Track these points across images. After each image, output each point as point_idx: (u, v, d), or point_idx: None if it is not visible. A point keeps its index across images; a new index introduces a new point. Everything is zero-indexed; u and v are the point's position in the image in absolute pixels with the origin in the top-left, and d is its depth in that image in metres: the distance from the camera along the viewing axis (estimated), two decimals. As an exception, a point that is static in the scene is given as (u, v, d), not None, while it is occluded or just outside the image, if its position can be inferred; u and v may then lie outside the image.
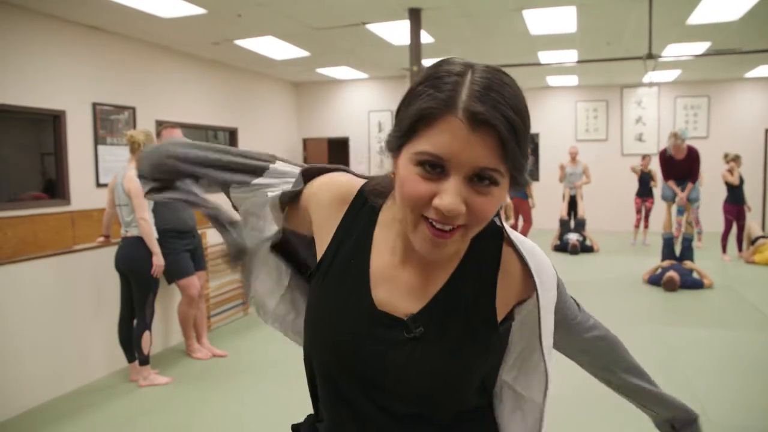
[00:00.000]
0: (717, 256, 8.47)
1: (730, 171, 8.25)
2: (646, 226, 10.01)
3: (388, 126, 11.14)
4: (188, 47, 7.93)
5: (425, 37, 7.35)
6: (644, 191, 9.83)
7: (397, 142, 0.78)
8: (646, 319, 5.57)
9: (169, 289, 4.68)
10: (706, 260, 7.67)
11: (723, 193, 8.46)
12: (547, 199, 10.88)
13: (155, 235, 3.98)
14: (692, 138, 11.18)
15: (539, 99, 12.30)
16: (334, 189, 0.96)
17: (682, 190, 7.10)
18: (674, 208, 7.45)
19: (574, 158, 9.62)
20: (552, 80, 11.39)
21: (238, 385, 4.04)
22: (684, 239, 7.02)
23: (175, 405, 3.74)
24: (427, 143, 0.73)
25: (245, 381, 4.12)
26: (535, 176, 11.68)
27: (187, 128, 8.19)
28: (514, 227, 9.31)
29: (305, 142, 11.30)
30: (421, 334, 0.85)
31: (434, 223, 0.75)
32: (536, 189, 9.97)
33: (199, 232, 4.75)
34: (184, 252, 4.36)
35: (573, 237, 9.24)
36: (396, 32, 7.24)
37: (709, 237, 9.62)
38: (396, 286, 0.89)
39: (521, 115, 0.74)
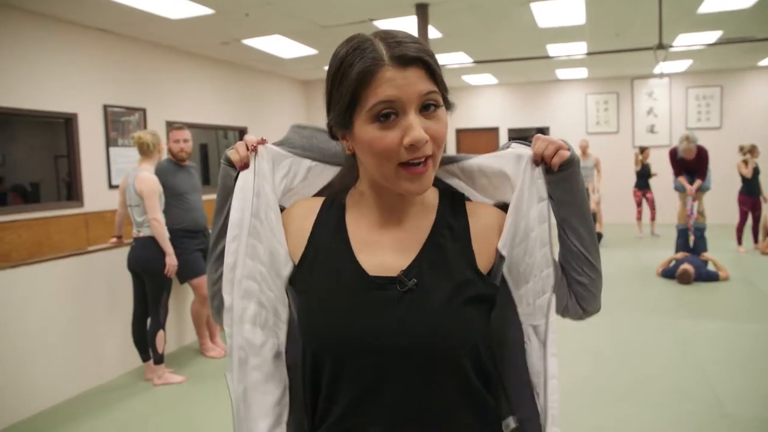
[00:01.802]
0: (732, 247, 8.38)
1: (745, 162, 8.16)
2: (653, 218, 9.94)
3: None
4: (197, 48, 7.96)
5: (432, 33, 7.33)
6: (643, 183, 9.77)
7: (345, 116, 0.86)
8: (661, 312, 5.53)
9: (182, 289, 4.71)
10: (721, 252, 7.59)
11: (737, 184, 8.37)
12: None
13: (167, 235, 4.00)
14: (705, 129, 11.12)
15: (549, 92, 12.23)
16: (303, 204, 1.04)
17: (692, 183, 7.06)
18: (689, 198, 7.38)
19: (584, 152, 9.52)
20: (561, 73, 11.31)
21: (251, 383, 4.05)
22: (696, 229, 6.96)
23: (190, 403, 3.77)
24: (374, 97, 0.82)
25: (259, 379, 4.13)
26: (546, 170, 11.58)
27: (197, 128, 8.23)
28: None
29: (315, 140, 11.31)
30: (415, 285, 0.90)
31: (410, 161, 0.84)
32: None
33: (211, 231, 4.77)
34: (196, 251, 4.38)
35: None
36: (403, 28, 7.18)
37: (723, 228, 9.53)
38: (381, 248, 0.95)
39: (424, 44, 0.87)
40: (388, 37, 0.85)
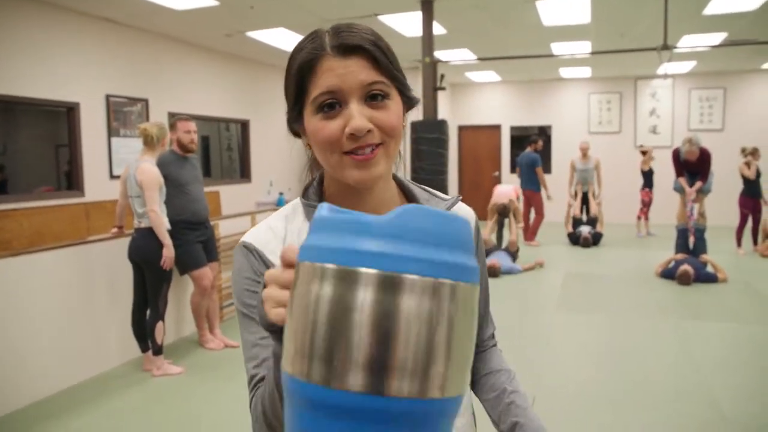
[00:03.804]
0: (732, 249, 8.38)
1: (747, 164, 8.16)
2: (647, 218, 9.97)
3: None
4: (201, 39, 7.94)
5: (437, 29, 7.31)
6: (648, 183, 9.79)
7: (295, 110, 0.86)
8: (660, 313, 5.53)
9: (182, 280, 4.71)
10: (720, 254, 7.60)
11: (739, 186, 8.37)
12: (558, 191, 10.85)
13: (168, 226, 4.00)
14: (707, 131, 11.12)
15: (552, 91, 12.22)
16: (258, 237, 0.92)
17: (693, 184, 7.08)
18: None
19: (585, 154, 9.49)
20: (565, 72, 11.29)
21: (250, 376, 4.06)
22: (696, 230, 6.97)
23: (188, 394, 3.77)
24: (316, 88, 0.81)
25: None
26: (547, 168, 11.60)
27: (200, 120, 8.23)
28: (526, 219, 9.28)
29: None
30: None
31: (355, 151, 0.82)
32: (548, 182, 9.91)
33: (212, 223, 4.77)
34: (196, 243, 4.38)
35: (585, 230, 9.18)
36: (408, 24, 7.20)
37: (723, 230, 9.53)
38: None
39: (375, 35, 0.84)
40: (337, 28, 0.84)
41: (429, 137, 6.16)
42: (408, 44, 8.24)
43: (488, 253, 7.53)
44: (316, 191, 0.95)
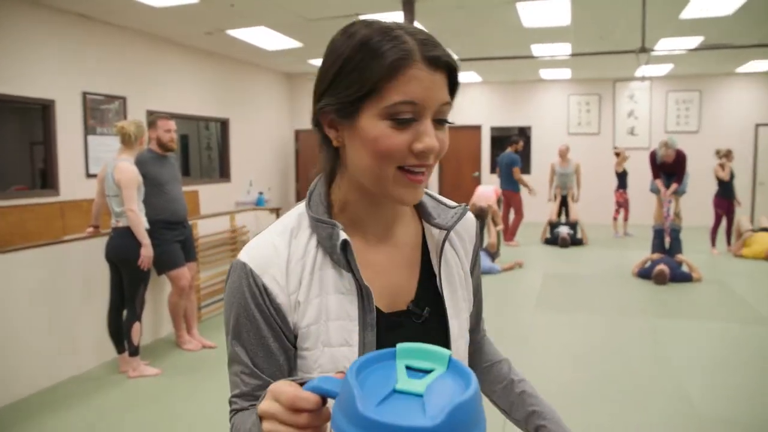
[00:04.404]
0: (706, 249, 8.52)
1: (722, 166, 8.29)
2: (626, 219, 10.11)
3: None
4: (181, 37, 7.87)
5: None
6: (623, 184, 9.96)
7: (353, 106, 0.77)
8: (636, 311, 5.61)
9: (159, 280, 4.66)
10: (695, 254, 7.72)
11: (714, 187, 8.50)
12: (538, 192, 10.95)
13: (146, 225, 3.96)
14: (683, 133, 11.28)
15: (532, 92, 12.30)
16: (261, 253, 0.86)
17: (669, 185, 7.22)
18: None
19: (564, 157, 9.57)
20: (545, 73, 11.38)
21: (228, 377, 4.03)
22: (672, 230, 7.08)
23: (165, 396, 3.73)
24: (398, 95, 0.75)
25: (236, 372, 4.11)
26: (527, 169, 11.68)
27: (179, 118, 8.15)
28: (505, 219, 9.34)
29: (297, 133, 11.26)
30: (428, 314, 0.88)
31: (413, 168, 0.78)
32: (528, 182, 9.97)
33: (190, 222, 4.73)
34: (174, 243, 4.34)
35: (563, 230, 9.27)
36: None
37: (698, 231, 9.68)
38: (381, 271, 0.88)
39: (451, 55, 0.80)
40: (421, 35, 0.78)
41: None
42: (389, 44, 8.25)
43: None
44: (322, 200, 0.86)
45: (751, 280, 6.96)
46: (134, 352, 3.99)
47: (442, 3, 6.45)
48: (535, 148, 12.16)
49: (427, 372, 0.57)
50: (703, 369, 4.12)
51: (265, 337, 0.81)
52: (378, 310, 0.84)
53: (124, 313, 4.02)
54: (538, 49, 8.91)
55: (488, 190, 8.57)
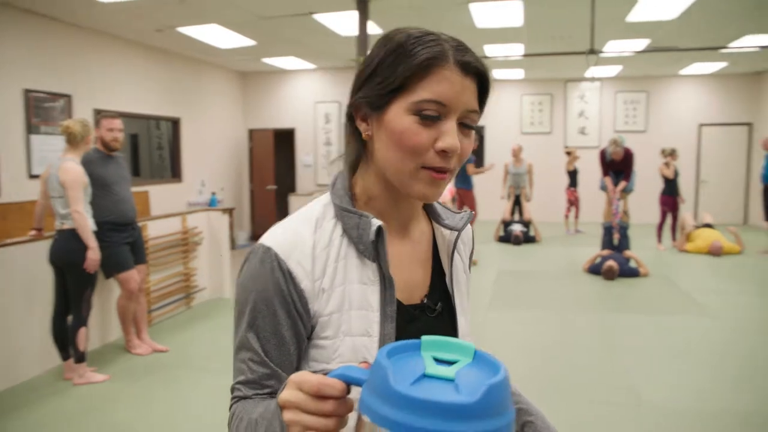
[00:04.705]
0: (653, 245, 8.78)
1: (666, 165, 8.56)
2: (577, 216, 10.39)
3: (336, 117, 11.08)
4: (129, 33, 7.66)
5: (373, 28, 7.32)
6: (573, 183, 10.22)
7: (384, 98, 0.81)
8: (587, 306, 5.74)
9: (107, 283, 4.54)
10: (642, 249, 7.95)
11: (659, 185, 8.77)
12: (491, 190, 11.08)
13: (92, 227, 3.84)
14: (631, 132, 11.61)
15: (486, 92, 12.44)
16: (288, 241, 0.86)
17: (618, 183, 7.44)
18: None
19: (517, 156, 9.72)
20: (498, 73, 11.53)
21: (181, 380, 3.95)
22: (620, 227, 7.28)
23: (115, 403, 3.64)
24: (426, 92, 0.79)
25: (188, 376, 4.04)
26: (480, 166, 11.81)
27: (128, 117, 7.95)
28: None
29: (251, 132, 11.11)
30: (441, 307, 0.93)
31: (435, 168, 0.81)
32: (480, 180, 10.12)
33: (140, 224, 4.62)
34: (123, 245, 4.23)
35: (517, 228, 9.41)
36: (344, 23, 7.18)
37: (645, 227, 9.97)
38: (399, 263, 0.91)
39: (486, 66, 0.85)
40: (458, 42, 0.83)
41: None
42: (343, 43, 8.23)
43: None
44: (345, 190, 0.89)
45: (694, 273, 7.21)
46: (80, 358, 3.87)
47: (396, 3, 6.47)
48: (489, 147, 12.31)
49: (453, 363, 0.59)
50: (650, 361, 4.24)
51: (280, 325, 0.81)
52: (397, 301, 0.87)
53: (69, 318, 3.90)
54: (491, 50, 9.03)
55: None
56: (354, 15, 6.37)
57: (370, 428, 0.54)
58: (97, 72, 7.31)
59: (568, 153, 10.32)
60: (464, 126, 0.82)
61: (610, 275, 6.69)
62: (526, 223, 9.55)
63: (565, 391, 3.71)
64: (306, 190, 10.16)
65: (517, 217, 9.81)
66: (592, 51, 6.54)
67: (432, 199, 0.84)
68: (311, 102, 11.20)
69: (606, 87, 11.93)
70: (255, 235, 10.72)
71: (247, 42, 8.30)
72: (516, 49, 8.97)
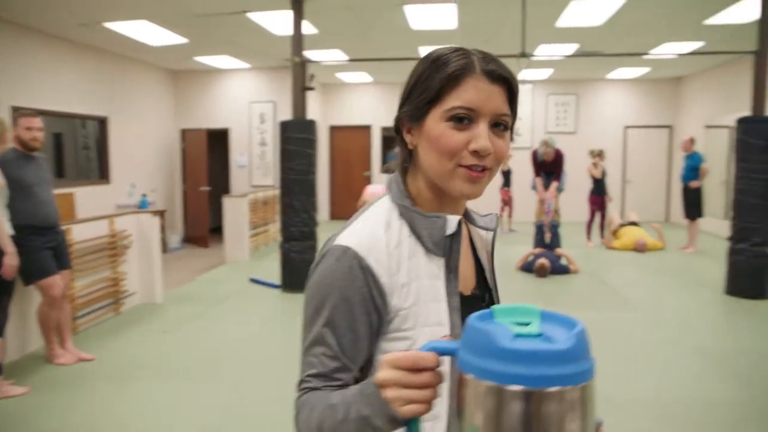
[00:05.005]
0: (582, 242, 9.09)
1: (595, 165, 8.88)
2: (510, 215, 10.67)
3: (271, 117, 10.93)
4: (51, 28, 7.32)
5: (308, 28, 7.27)
6: (507, 182, 10.49)
7: (422, 110, 0.91)
8: (520, 302, 5.87)
9: (26, 290, 4.31)
10: (573, 247, 8.22)
11: (589, 185, 9.09)
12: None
13: (11, 231, 3.64)
14: (562, 133, 11.99)
15: (422, 93, 12.58)
16: (368, 244, 0.91)
17: (549, 183, 7.66)
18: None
19: None
20: (434, 75, 11.67)
21: (107, 390, 3.80)
22: (552, 226, 7.50)
23: (34, 417, 3.46)
24: (457, 100, 0.88)
25: (116, 384, 3.89)
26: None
27: (51, 116, 7.59)
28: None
29: (183, 132, 10.82)
30: (488, 298, 1.04)
31: (471, 166, 0.89)
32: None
33: (64, 227, 4.42)
34: (45, 250, 4.03)
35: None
36: (278, 22, 7.10)
37: (575, 226, 10.31)
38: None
39: (513, 74, 0.92)
40: (484, 54, 0.91)
41: (298, 137, 6.10)
42: (278, 43, 8.13)
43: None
44: (404, 194, 0.97)
45: (621, 269, 7.52)
46: (-2, 370, 3.66)
47: (331, 3, 6.44)
48: (425, 148, 12.45)
49: (527, 324, 0.67)
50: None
51: (357, 321, 0.87)
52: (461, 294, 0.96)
53: (-14, 328, 3.68)
54: (425, 51, 9.10)
55: (378, 189, 8.66)
56: (289, 14, 6.31)
57: (474, 385, 0.62)
58: (14, 67, 6.95)
59: None
60: (497, 127, 0.90)
61: (542, 273, 6.88)
62: None
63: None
64: (240, 191, 9.97)
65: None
66: (524, 54, 6.71)
67: (472, 196, 0.92)
68: (246, 102, 11.01)
69: (538, 89, 12.27)
70: (188, 238, 10.45)
71: (178, 40, 8.08)
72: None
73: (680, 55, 8.13)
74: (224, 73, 11.00)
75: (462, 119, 0.88)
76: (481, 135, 0.88)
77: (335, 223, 12.23)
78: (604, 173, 8.92)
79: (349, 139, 12.86)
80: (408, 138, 0.96)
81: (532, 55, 7.10)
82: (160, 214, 8.85)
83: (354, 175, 12.71)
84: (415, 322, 0.89)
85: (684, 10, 6.83)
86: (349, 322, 0.86)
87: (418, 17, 7.06)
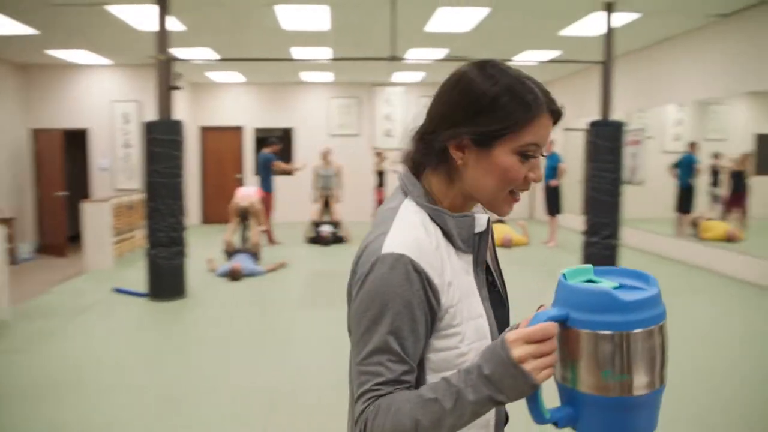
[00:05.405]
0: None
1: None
2: None
3: (135, 117, 10.33)
4: None
5: (175, 25, 6.95)
6: (381, 183, 10.71)
7: (491, 138, 0.94)
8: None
9: None
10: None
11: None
12: (298, 192, 11.19)
13: None
14: (433, 135, 12.40)
15: (293, 94, 12.49)
16: (426, 246, 0.96)
17: None
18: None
19: (326, 159, 9.86)
20: (307, 76, 11.61)
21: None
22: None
23: None
24: (530, 137, 0.94)
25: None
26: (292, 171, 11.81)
27: None
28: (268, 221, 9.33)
29: (35, 133, 9.89)
30: (493, 281, 1.10)
31: (515, 193, 0.99)
32: (290, 182, 10.12)
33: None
34: None
35: (326, 229, 9.54)
36: (142, 17, 6.71)
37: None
38: None
39: None
40: (544, 90, 0.96)
41: (163, 139, 5.79)
42: (142, 39, 7.71)
43: (231, 255, 7.41)
44: (426, 197, 1.01)
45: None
46: None
47: (198, -1, 6.20)
48: (298, 149, 12.35)
49: (596, 282, 0.88)
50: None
51: (417, 323, 0.90)
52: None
53: None
54: (297, 52, 9.04)
55: (250, 190, 8.50)
56: (153, 9, 5.98)
57: (587, 338, 0.80)
58: None
59: (378, 154, 10.72)
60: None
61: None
62: (336, 224, 9.72)
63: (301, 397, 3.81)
64: (102, 196, 9.33)
65: (327, 218, 9.94)
66: (394, 57, 6.85)
67: (506, 215, 1.01)
68: (107, 100, 10.34)
69: (411, 91, 12.60)
70: (43, 247, 9.57)
71: (28, 30, 7.42)
72: (323, 53, 9.09)
73: (541, 62, 8.68)
74: (82, 69, 10.25)
75: (532, 156, 0.95)
76: (539, 166, 0.97)
77: (208, 227, 11.80)
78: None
79: (221, 140, 12.47)
80: (457, 155, 0.97)
81: (403, 59, 7.26)
82: (7, 222, 8.07)
83: (227, 177, 12.34)
84: (462, 317, 0.95)
85: (541, 21, 7.29)
86: (411, 325, 0.90)
87: (289, 17, 6.97)
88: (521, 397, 0.82)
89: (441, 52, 9.23)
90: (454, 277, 0.96)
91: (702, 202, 8.42)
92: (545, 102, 0.94)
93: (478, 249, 1.02)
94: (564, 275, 0.86)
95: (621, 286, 0.85)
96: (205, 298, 6.06)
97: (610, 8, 6.43)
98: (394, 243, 0.92)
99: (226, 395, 3.69)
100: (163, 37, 5.96)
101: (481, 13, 6.85)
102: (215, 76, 11.50)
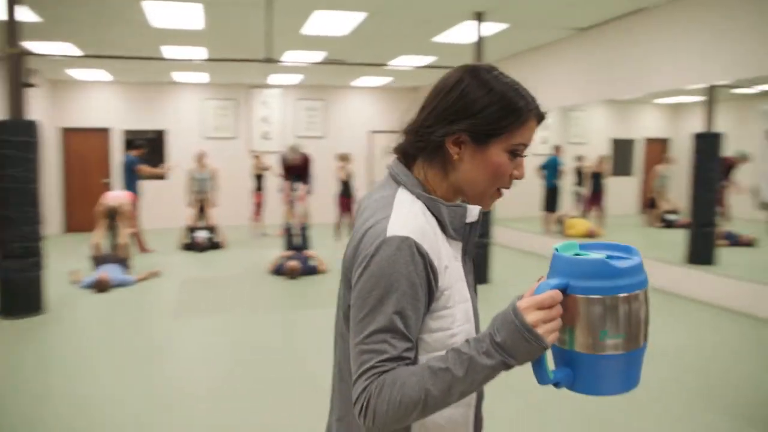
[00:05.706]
0: (331, 243, 9.50)
1: (342, 168, 9.34)
2: (260, 219, 10.76)
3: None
4: None
5: (28, 15, 6.46)
6: (259, 186, 10.59)
7: (487, 137, 1.02)
8: (271, 306, 5.96)
9: None
10: (322, 248, 8.55)
11: (336, 187, 9.53)
12: (171, 197, 10.80)
13: None
14: (311, 137, 12.42)
15: (166, 94, 12.02)
16: (428, 232, 1.03)
17: (297, 187, 7.94)
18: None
19: (200, 162, 9.59)
20: (179, 76, 11.21)
21: None
22: (302, 228, 7.75)
23: None
24: (521, 138, 1.04)
25: None
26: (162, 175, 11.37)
27: None
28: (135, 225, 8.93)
29: None
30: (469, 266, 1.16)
31: (505, 188, 1.09)
32: (162, 186, 9.72)
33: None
34: None
35: (201, 235, 9.28)
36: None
37: (324, 227, 10.73)
38: None
39: None
40: (532, 95, 1.06)
41: (15, 140, 5.33)
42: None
43: (98, 261, 7.00)
44: (420, 186, 1.07)
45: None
46: None
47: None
48: (171, 152, 11.89)
49: (584, 254, 0.98)
50: (325, 351, 4.56)
51: (419, 301, 0.96)
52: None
53: None
54: (169, 51, 8.71)
55: (120, 194, 8.09)
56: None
57: (586, 302, 0.89)
58: None
59: (257, 157, 10.57)
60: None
61: (292, 275, 7.04)
62: (211, 229, 9.48)
63: (257, 392, 3.78)
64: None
65: (202, 223, 9.66)
66: (270, 59, 6.79)
67: (489, 209, 1.13)
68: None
69: (289, 94, 12.54)
70: None
71: None
72: (199, 53, 8.83)
73: (416, 67, 8.96)
74: None
75: (520, 154, 1.05)
76: (523, 165, 1.07)
77: (71, 236, 11.05)
78: (350, 176, 9.41)
79: (86, 142, 11.72)
80: (453, 150, 1.04)
81: (279, 61, 7.23)
82: None
83: (93, 182, 11.58)
84: (454, 300, 1.02)
85: (416, 28, 7.55)
86: (414, 304, 0.95)
87: (159, 14, 6.72)
88: (531, 359, 0.90)
89: (319, 55, 9.27)
90: (449, 263, 1.03)
91: (566, 202, 9.11)
92: (534, 108, 1.05)
93: (468, 238, 1.10)
94: (556, 249, 0.96)
95: (609, 257, 0.95)
96: (66, 314, 5.65)
97: (480, 18, 6.79)
98: (398, 226, 0.97)
99: (84, 421, 3.47)
100: (12, 28, 5.52)
101: (357, 17, 6.97)
102: (78, 73, 10.80)
